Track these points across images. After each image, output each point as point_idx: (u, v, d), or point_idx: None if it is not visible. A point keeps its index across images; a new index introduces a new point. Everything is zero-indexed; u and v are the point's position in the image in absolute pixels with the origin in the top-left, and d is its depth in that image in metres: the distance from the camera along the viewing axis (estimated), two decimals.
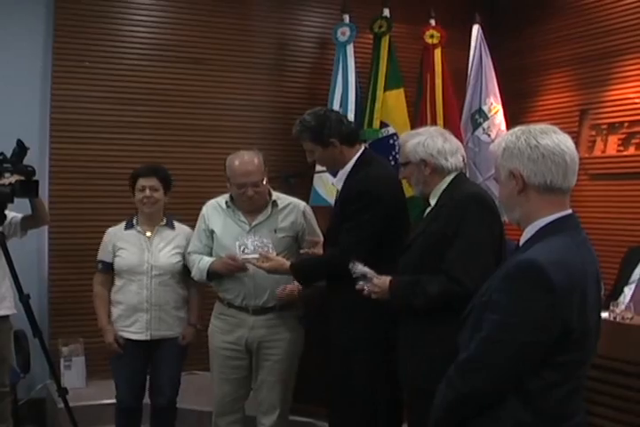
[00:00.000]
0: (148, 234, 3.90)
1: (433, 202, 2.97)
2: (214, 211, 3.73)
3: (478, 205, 2.81)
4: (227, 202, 3.70)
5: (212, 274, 3.66)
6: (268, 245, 3.51)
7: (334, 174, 3.52)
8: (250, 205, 3.62)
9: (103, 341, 3.89)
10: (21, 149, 3.62)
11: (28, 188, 3.64)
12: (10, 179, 3.61)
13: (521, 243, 2.06)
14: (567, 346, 1.91)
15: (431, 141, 2.96)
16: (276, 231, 3.63)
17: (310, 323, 3.76)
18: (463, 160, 3.02)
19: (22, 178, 3.61)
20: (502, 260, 2.62)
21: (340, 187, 3.48)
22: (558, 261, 1.90)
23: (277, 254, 3.52)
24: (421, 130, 3.12)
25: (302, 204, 3.79)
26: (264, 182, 3.61)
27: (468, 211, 2.77)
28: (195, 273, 3.73)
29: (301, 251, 3.69)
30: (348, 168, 3.40)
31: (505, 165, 2.04)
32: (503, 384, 1.94)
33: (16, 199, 3.66)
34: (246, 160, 3.57)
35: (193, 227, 3.85)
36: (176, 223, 3.99)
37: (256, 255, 3.48)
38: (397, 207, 3.35)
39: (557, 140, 2.01)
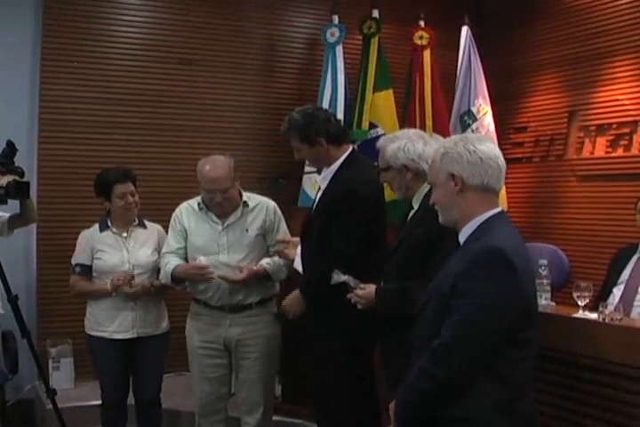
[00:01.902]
0: (124, 234, 3.91)
1: (416, 206, 2.98)
2: (187, 212, 3.73)
3: None
4: (199, 204, 3.70)
5: (177, 278, 3.66)
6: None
7: (320, 171, 3.53)
8: (219, 209, 3.62)
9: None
10: (11, 149, 3.59)
11: (20, 189, 3.62)
12: (2, 180, 3.59)
13: (461, 239, 2.30)
14: (527, 323, 2.16)
15: (411, 146, 2.95)
16: (247, 230, 3.64)
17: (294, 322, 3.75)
18: None
19: (15, 179, 3.59)
20: None
21: (324, 186, 3.47)
22: (511, 245, 2.16)
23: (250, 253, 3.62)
24: (400, 133, 3.10)
25: (271, 203, 3.80)
26: (234, 187, 3.61)
27: None
28: (162, 276, 3.75)
29: (272, 250, 3.70)
30: (335, 168, 3.41)
31: (444, 169, 2.28)
32: (477, 366, 2.12)
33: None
34: (216, 166, 3.57)
35: None
36: (146, 222, 4.01)
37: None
38: (379, 211, 3.38)
39: (491, 146, 2.29)
